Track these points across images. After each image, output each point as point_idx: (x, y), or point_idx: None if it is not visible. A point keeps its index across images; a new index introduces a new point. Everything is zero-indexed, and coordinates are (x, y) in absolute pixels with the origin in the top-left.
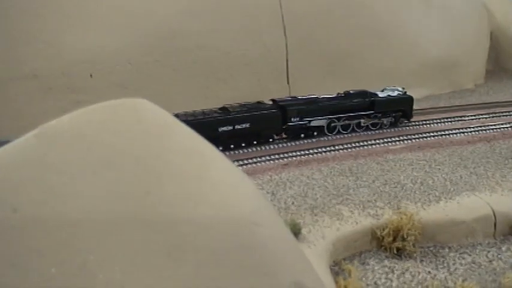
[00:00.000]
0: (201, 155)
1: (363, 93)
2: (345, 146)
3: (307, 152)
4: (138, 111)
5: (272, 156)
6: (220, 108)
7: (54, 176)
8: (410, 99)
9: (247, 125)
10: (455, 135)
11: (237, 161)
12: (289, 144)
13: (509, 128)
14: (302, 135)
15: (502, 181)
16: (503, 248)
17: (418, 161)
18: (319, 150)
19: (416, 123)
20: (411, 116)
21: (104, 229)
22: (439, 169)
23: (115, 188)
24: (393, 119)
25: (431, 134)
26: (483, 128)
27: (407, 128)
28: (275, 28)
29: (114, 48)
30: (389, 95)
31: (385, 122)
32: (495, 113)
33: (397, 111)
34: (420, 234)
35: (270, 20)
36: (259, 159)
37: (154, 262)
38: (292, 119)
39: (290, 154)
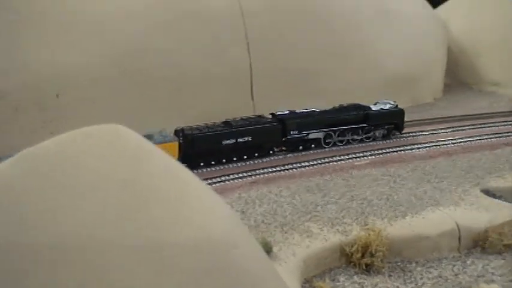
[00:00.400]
0: (179, 178)
1: (357, 107)
2: (311, 163)
3: (274, 169)
4: (117, 137)
5: (240, 174)
6: (223, 122)
7: (37, 202)
8: (401, 112)
9: (249, 138)
10: (417, 150)
11: (206, 179)
12: (256, 161)
13: (469, 142)
14: (300, 147)
15: (465, 195)
16: (468, 262)
17: (383, 176)
18: (286, 167)
19: (379, 138)
20: (402, 128)
21: (91, 253)
22: (404, 184)
23: (102, 211)
24: (386, 131)
25: (394, 149)
26: (444, 142)
27: (371, 143)
28: (239, 45)
29: (81, 66)
30: (382, 108)
31: (377, 134)
32: (454, 127)
33: (390, 123)
34: (388, 250)
35: (233, 37)
36: (227, 177)
37: (141, 284)
38: (291, 132)
39: (258, 172)
